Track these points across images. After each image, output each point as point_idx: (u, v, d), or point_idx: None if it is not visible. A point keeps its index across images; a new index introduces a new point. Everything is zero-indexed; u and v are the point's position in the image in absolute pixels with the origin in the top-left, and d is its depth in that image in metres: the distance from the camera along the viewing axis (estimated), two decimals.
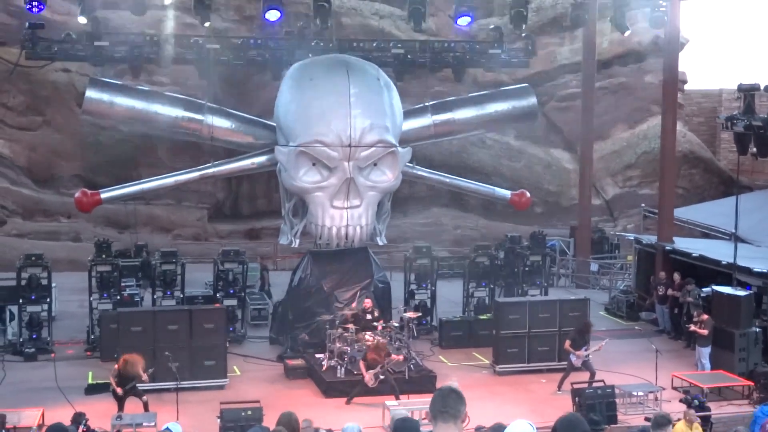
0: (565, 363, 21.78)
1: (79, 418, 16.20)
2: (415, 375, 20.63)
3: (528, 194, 27.62)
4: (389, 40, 30.45)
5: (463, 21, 24.10)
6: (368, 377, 19.30)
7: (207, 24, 23.93)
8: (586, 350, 20.49)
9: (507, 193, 27.75)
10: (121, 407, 18.23)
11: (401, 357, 20.52)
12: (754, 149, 27.94)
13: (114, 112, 24.65)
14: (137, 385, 18.44)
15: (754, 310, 23.00)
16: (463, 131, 28.58)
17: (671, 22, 27.07)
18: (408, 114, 25.35)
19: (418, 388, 19.61)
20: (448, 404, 5.65)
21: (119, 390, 18.15)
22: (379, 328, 21.74)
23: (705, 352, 21.88)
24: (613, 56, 41.02)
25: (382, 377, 19.43)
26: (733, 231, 26.54)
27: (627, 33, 27.45)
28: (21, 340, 23.36)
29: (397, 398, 19.03)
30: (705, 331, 21.80)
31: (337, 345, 21.08)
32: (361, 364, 19.77)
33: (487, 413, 17.45)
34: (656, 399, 19.69)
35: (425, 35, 28.23)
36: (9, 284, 24.38)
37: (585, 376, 20.56)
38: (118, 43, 25.43)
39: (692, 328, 22.14)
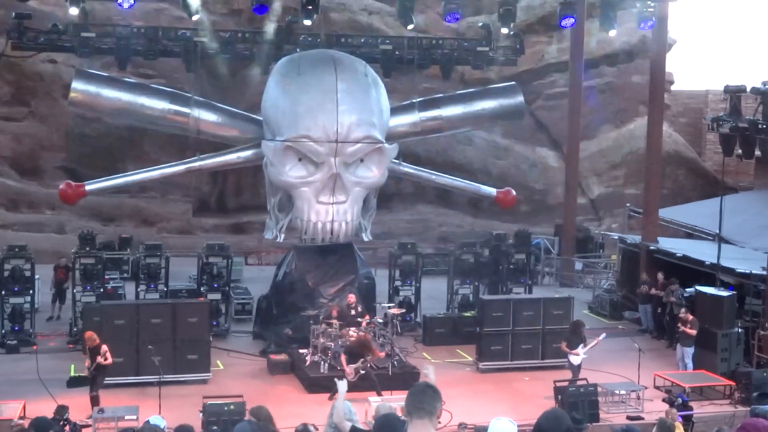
0: (549, 361, 22.02)
1: (62, 412, 16.17)
2: (399, 371, 20.62)
3: (513, 192, 27.68)
4: (377, 36, 30.45)
5: (452, 18, 24.09)
6: (349, 371, 19.30)
7: (195, 17, 23.77)
8: (583, 347, 20.38)
9: (492, 190, 27.80)
10: (92, 389, 18.24)
11: (383, 354, 20.50)
12: (740, 151, 28.10)
13: (100, 104, 24.58)
14: (103, 377, 18.52)
15: (736, 311, 23.10)
16: (450, 128, 28.61)
17: (659, 23, 27.13)
18: (395, 110, 25.34)
19: (401, 384, 19.59)
20: (424, 401, 5.66)
21: (87, 373, 18.35)
22: (364, 324, 21.74)
23: (689, 352, 21.90)
24: (601, 56, 41.12)
25: (362, 372, 19.42)
26: (717, 232, 26.66)
27: (613, 33, 27.52)
28: (3, 332, 23.26)
29: (379, 394, 19.01)
30: (694, 331, 21.81)
31: (321, 340, 21.08)
32: (342, 358, 19.76)
33: (469, 410, 17.55)
34: (638, 398, 19.76)
35: (413, 32, 28.21)
36: None
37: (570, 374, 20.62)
38: (104, 34, 25.34)
39: (682, 328, 22.07)
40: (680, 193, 42.19)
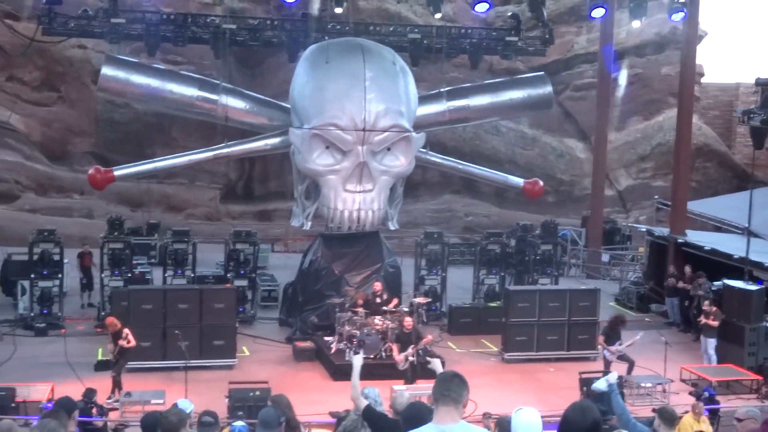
0: (574, 352, 21.97)
1: (90, 395, 16.31)
2: (423, 361, 20.57)
3: (541, 183, 27.55)
4: (406, 24, 30.39)
5: (481, 7, 23.94)
6: (399, 359, 19.24)
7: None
8: (619, 344, 20.26)
9: (520, 181, 27.70)
10: (114, 370, 18.46)
11: (431, 336, 20.31)
12: None
13: (129, 90, 24.67)
14: (125, 360, 18.74)
15: (765, 305, 22.93)
16: (478, 118, 28.51)
17: (690, 15, 26.90)
18: (423, 99, 25.28)
19: (426, 373, 19.55)
20: (451, 388, 5.67)
21: (111, 357, 18.59)
22: (392, 305, 21.71)
23: (711, 343, 21.82)
24: (631, 47, 40.89)
25: (412, 358, 19.29)
26: (746, 225, 26.45)
27: (639, 24, 27.32)
28: (32, 314, 23.48)
29: (407, 383, 18.94)
30: (716, 323, 21.71)
31: (347, 328, 21.10)
32: (394, 347, 19.67)
33: (494, 401, 17.49)
34: (664, 391, 19.67)
35: (442, 21, 28.10)
36: (21, 259, 24.52)
37: (599, 365, 20.55)
38: (134, 20, 25.41)
39: (703, 320, 21.99)
40: (709, 186, 41.94)
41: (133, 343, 18.56)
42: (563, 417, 5.91)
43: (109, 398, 18.02)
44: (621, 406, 9.77)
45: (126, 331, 18.52)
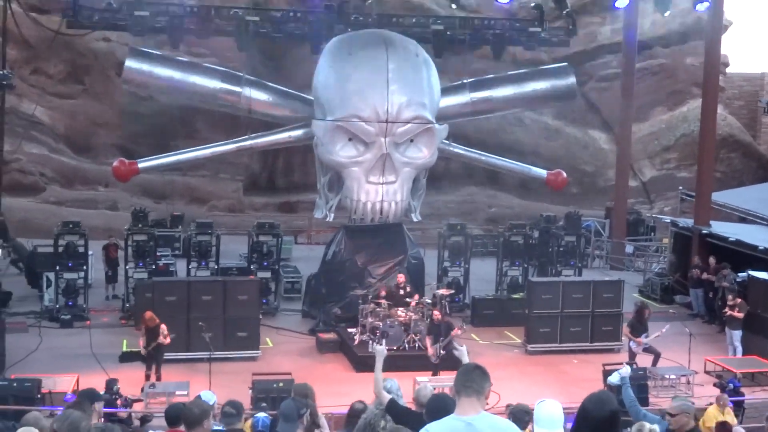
0: (598, 344, 21.90)
1: (111, 384, 16.41)
2: (445, 353, 20.58)
3: (564, 174, 27.47)
4: (429, 16, 30.29)
5: None
6: (432, 352, 19.24)
7: None
8: (646, 337, 20.18)
9: (543, 172, 27.63)
10: (149, 367, 18.62)
11: (457, 329, 20.33)
12: None
13: (153, 82, 24.77)
14: (162, 355, 18.80)
15: None
16: (501, 109, 28.47)
17: (714, 4, 26.70)
18: (446, 91, 25.24)
19: (448, 365, 19.55)
20: (473, 380, 5.69)
21: (143, 351, 18.66)
22: (413, 303, 21.73)
23: (737, 335, 21.71)
24: (655, 37, 40.62)
25: (443, 352, 19.29)
26: None
27: (667, 13, 27.10)
28: (57, 306, 23.63)
29: (435, 374, 18.96)
30: (741, 315, 21.60)
31: (370, 320, 21.14)
32: (427, 340, 19.68)
33: (517, 392, 17.45)
34: (688, 383, 19.59)
35: (465, 12, 28.02)
36: (47, 251, 24.69)
37: (623, 357, 20.50)
38: (158, 13, 25.48)
39: (728, 312, 21.89)
40: (734, 177, 41.65)
41: (168, 339, 18.71)
42: (581, 407, 5.93)
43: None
44: (631, 398, 9.80)
45: (164, 327, 18.64)
